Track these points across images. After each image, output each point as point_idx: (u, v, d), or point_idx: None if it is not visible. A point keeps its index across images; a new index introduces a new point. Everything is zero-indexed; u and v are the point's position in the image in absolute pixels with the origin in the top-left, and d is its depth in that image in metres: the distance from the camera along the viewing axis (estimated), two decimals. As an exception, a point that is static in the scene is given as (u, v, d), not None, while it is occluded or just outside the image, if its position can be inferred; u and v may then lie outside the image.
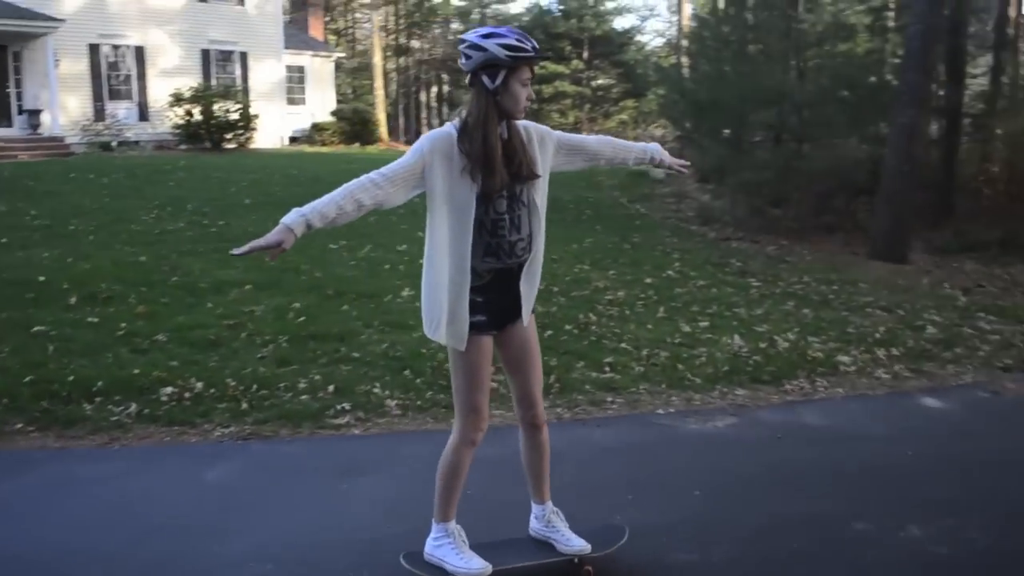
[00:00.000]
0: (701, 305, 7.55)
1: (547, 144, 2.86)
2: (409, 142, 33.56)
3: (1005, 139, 15.61)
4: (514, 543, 3.13)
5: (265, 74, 24.66)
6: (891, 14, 16.00)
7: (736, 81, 13.43)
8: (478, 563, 2.85)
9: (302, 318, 6.27)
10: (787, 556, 3.21)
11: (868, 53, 14.66)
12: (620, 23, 40.41)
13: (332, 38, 37.99)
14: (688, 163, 3.25)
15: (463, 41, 2.67)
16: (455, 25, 41.28)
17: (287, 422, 4.49)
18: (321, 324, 6.13)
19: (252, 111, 21.92)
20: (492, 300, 2.77)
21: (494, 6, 36.34)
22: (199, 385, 4.87)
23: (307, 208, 2.51)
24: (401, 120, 38.65)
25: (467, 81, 2.71)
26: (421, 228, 2.88)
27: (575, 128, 31.00)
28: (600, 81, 33.22)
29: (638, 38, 38.03)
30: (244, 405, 4.65)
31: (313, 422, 4.52)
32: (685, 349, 6.14)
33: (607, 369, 5.60)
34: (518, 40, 2.62)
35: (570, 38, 31.41)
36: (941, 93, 14.81)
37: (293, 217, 2.49)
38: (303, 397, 4.82)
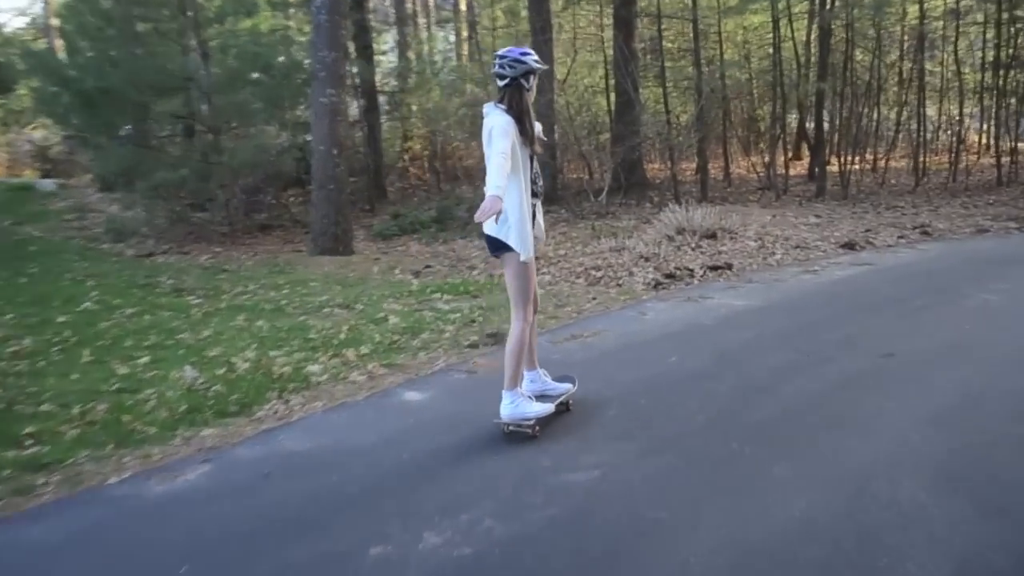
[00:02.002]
0: (136, 338, 7.14)
1: None
2: None
3: (421, 115, 17.53)
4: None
5: None
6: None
7: (129, 65, 12.85)
8: (548, 405, 4.73)
9: None
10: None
11: (273, 31, 15.16)
12: (-39, 1, 35.80)
13: None
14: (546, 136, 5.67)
15: (504, 56, 4.49)
16: None
17: None
18: None
19: None
20: (534, 225, 4.67)
21: None
22: None
23: (497, 182, 4.01)
24: None
25: (503, 84, 4.47)
26: None
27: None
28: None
29: (-10, 19, 34.29)
30: None
31: None
32: (128, 395, 5.67)
33: (29, 443, 4.86)
34: (536, 55, 4.59)
35: None
36: (354, 71, 16.02)
37: (494, 190, 3.97)
38: None
